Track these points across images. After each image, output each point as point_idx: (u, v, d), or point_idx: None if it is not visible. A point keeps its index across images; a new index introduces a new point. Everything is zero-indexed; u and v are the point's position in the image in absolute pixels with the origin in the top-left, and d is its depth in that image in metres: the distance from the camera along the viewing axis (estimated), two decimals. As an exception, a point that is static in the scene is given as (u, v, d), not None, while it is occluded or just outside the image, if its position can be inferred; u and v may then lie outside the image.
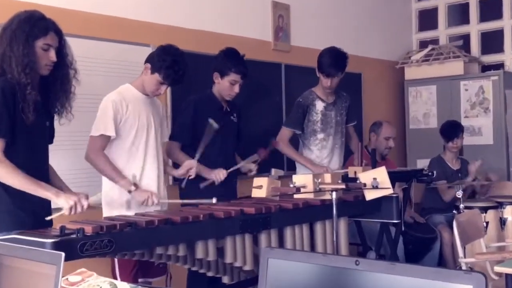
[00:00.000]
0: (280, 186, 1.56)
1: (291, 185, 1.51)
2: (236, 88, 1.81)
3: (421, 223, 2.52)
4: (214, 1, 2.33)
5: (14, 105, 1.23)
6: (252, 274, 1.44)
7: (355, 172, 1.79)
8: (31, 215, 1.26)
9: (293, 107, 2.14)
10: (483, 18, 3.33)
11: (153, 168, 1.59)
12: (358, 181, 1.56)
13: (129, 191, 1.50)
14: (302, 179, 1.53)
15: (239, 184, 1.91)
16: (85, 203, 1.24)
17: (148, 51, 1.78)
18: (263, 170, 1.84)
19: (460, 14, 3.44)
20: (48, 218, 1.25)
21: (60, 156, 1.63)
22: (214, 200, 1.44)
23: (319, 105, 2.10)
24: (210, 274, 1.42)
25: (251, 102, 2.36)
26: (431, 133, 3.09)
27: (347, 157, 2.27)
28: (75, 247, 1.07)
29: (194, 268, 1.38)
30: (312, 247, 1.53)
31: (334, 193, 1.45)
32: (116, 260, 1.52)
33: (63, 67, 1.32)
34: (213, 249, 1.32)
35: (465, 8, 3.39)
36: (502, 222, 2.33)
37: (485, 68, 3.32)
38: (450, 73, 3.16)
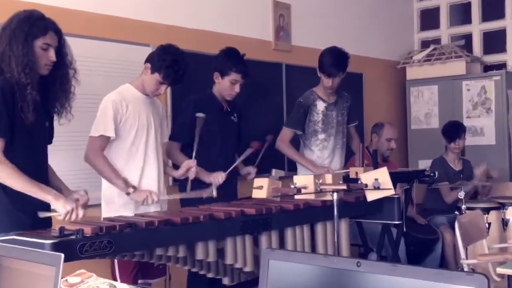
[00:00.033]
0: (280, 186, 1.55)
1: (292, 186, 1.50)
2: (237, 88, 1.80)
3: (422, 224, 2.51)
4: (214, 1, 2.32)
5: (13, 105, 1.22)
6: (252, 276, 1.43)
7: (357, 173, 1.78)
8: (30, 216, 1.25)
9: (294, 107, 2.13)
10: (485, 17, 3.31)
11: (153, 168, 1.59)
12: (359, 182, 1.55)
13: (128, 193, 1.49)
14: (303, 179, 1.52)
15: (240, 184, 1.90)
16: (80, 213, 1.23)
17: (148, 51, 1.77)
18: (263, 170, 1.83)
19: (462, 14, 3.43)
20: (42, 215, 1.24)
21: (60, 157, 1.63)
22: (214, 193, 1.42)
23: (320, 105, 2.09)
24: (210, 275, 1.41)
25: (251, 102, 2.36)
26: (433, 133, 3.08)
27: (348, 158, 2.26)
28: (75, 248, 1.06)
29: (194, 269, 1.37)
30: (313, 249, 1.52)
31: (335, 194, 1.45)
32: (116, 261, 1.51)
33: (62, 66, 1.31)
34: (213, 250, 1.31)
35: (467, 7, 3.38)
36: (504, 223, 2.32)
37: (487, 68, 3.31)
38: (452, 73, 3.15)
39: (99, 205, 1.55)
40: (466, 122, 2.97)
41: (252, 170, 1.81)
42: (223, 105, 1.86)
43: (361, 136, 2.60)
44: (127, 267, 1.52)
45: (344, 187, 1.49)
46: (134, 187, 1.50)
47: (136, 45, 1.99)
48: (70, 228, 1.11)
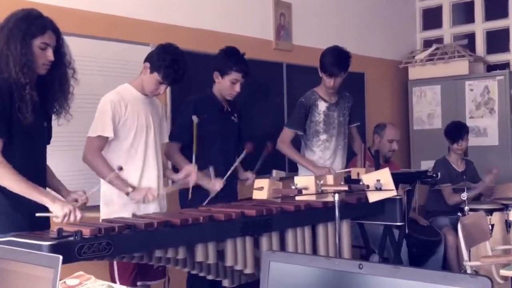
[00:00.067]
0: (281, 187, 1.54)
1: (293, 187, 1.49)
2: (237, 87, 1.79)
3: (425, 225, 2.49)
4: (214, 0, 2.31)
5: (11, 105, 1.21)
6: (253, 278, 1.42)
7: (358, 174, 1.76)
8: (28, 217, 1.25)
9: (295, 108, 2.12)
10: (489, 16, 3.29)
11: (153, 169, 1.58)
12: (361, 183, 1.54)
13: (127, 193, 1.48)
14: (304, 180, 1.51)
15: (240, 185, 1.89)
16: (78, 216, 1.22)
17: (147, 50, 1.77)
18: (264, 171, 1.82)
19: (465, 13, 3.41)
20: (39, 214, 1.23)
21: (58, 157, 1.62)
22: (211, 170, 1.40)
23: (322, 106, 2.08)
24: (210, 277, 1.40)
25: (252, 102, 2.34)
26: (435, 134, 3.05)
27: (350, 159, 2.24)
28: (73, 249, 1.06)
29: (194, 272, 1.36)
30: (314, 250, 1.51)
31: (336, 195, 1.44)
32: (115, 263, 1.50)
33: (61, 66, 1.30)
34: (213, 252, 1.30)
35: (470, 6, 3.36)
36: (508, 224, 2.29)
37: (491, 67, 3.28)
38: (455, 73, 3.13)
39: (97, 206, 1.54)
40: (469, 123, 2.95)
41: (250, 175, 1.79)
42: (223, 105, 1.84)
43: (363, 136, 2.60)
44: (126, 269, 1.51)
45: (346, 188, 1.48)
46: (133, 187, 1.49)
47: (135, 44, 1.98)
48: (69, 229, 1.10)
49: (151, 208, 1.56)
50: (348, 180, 1.77)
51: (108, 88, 1.59)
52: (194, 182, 1.61)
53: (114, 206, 1.52)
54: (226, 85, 1.79)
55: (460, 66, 3.12)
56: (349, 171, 1.91)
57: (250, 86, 2.03)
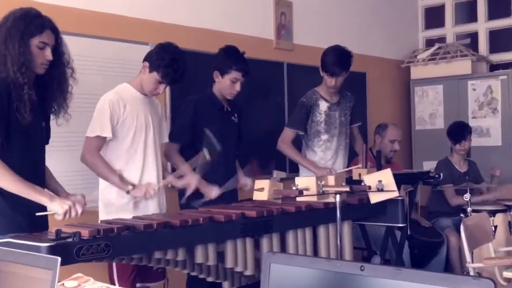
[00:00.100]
0: (282, 188, 1.54)
1: (294, 188, 1.49)
2: (237, 86, 1.77)
3: (427, 227, 2.48)
4: (215, -2, 2.30)
5: (9, 105, 1.20)
6: (253, 280, 1.41)
7: (360, 175, 1.74)
8: (27, 218, 1.24)
9: (296, 107, 2.10)
10: (492, 15, 3.27)
11: (153, 169, 1.57)
12: (362, 184, 1.53)
13: (127, 192, 1.47)
14: (305, 181, 1.50)
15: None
16: (79, 209, 1.21)
17: (146, 49, 1.76)
18: (264, 172, 1.80)
19: (467, 12, 3.39)
20: (39, 214, 1.22)
21: (56, 158, 1.61)
22: (206, 154, 1.41)
23: (323, 105, 2.06)
24: (210, 279, 1.39)
25: (252, 102, 2.33)
26: (437, 134, 3.04)
27: (351, 159, 2.23)
28: (71, 251, 1.05)
29: (193, 273, 1.35)
30: (315, 252, 1.50)
31: (338, 196, 1.43)
32: (114, 264, 1.49)
33: (59, 66, 1.29)
34: (213, 253, 1.29)
35: (472, 5, 3.34)
36: (511, 226, 2.27)
37: (494, 67, 3.27)
38: (457, 73, 3.11)
39: (96, 208, 1.53)
40: (472, 123, 2.93)
41: (249, 182, 1.79)
42: (224, 105, 1.83)
43: (364, 137, 2.57)
44: (125, 271, 1.50)
45: (347, 189, 1.47)
46: (133, 185, 1.48)
47: (134, 43, 1.97)
48: (67, 230, 1.09)
49: (151, 206, 1.54)
50: (349, 180, 1.76)
51: (107, 87, 1.58)
52: (193, 190, 1.61)
53: (112, 207, 1.51)
54: (226, 85, 1.78)
55: (462, 66, 3.10)
56: (350, 171, 1.90)
57: (250, 86, 2.02)
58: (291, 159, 2.13)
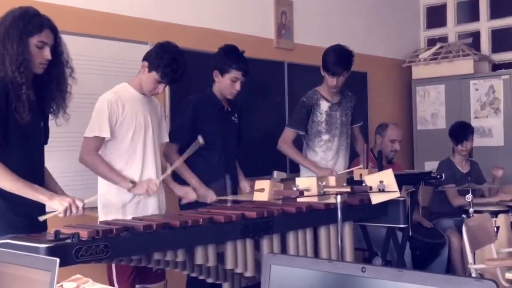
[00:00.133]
0: (282, 189, 1.52)
1: (294, 188, 1.48)
2: (237, 86, 1.76)
3: (428, 227, 2.46)
4: (215, -2, 2.29)
5: (7, 105, 1.20)
6: (253, 281, 1.40)
7: (361, 175, 1.73)
8: (25, 218, 1.24)
9: (296, 107, 2.09)
10: (494, 15, 3.26)
11: (152, 170, 1.56)
12: (363, 184, 1.52)
13: (129, 189, 1.46)
14: (305, 182, 1.49)
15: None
16: (80, 205, 1.21)
17: (146, 48, 1.76)
18: (265, 172, 1.79)
19: (469, 11, 3.37)
20: (41, 218, 1.22)
21: (55, 158, 1.60)
22: (200, 140, 1.44)
23: (324, 105, 2.05)
24: (210, 280, 1.38)
25: (252, 102, 2.32)
26: (439, 134, 3.02)
27: (352, 160, 2.21)
28: (70, 252, 1.04)
29: (193, 274, 1.35)
30: (316, 253, 1.49)
31: (339, 197, 1.42)
32: (113, 266, 1.48)
33: (58, 65, 1.29)
34: (213, 254, 1.28)
35: (474, 4, 3.32)
36: (513, 226, 2.25)
37: (496, 66, 3.25)
38: (459, 72, 3.09)
39: (95, 208, 1.52)
40: (474, 123, 2.91)
41: (248, 186, 1.78)
42: (224, 105, 1.82)
43: (366, 137, 2.56)
44: (124, 272, 1.50)
45: (348, 189, 1.46)
46: (134, 182, 1.47)
47: (134, 43, 1.97)
48: (66, 231, 1.09)
49: (150, 206, 1.53)
50: (350, 181, 1.75)
51: (106, 87, 1.57)
52: (190, 201, 1.61)
53: (111, 207, 1.50)
54: (226, 84, 1.77)
55: (464, 65, 3.08)
56: (351, 171, 1.88)
57: (250, 86, 2.01)
58: (292, 159, 2.12)
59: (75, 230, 1.07)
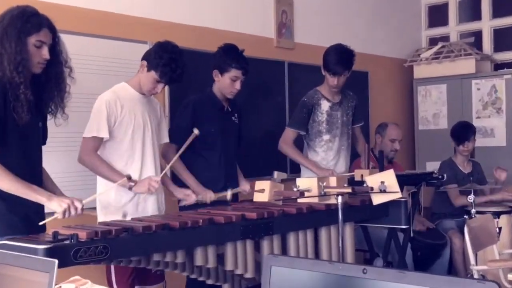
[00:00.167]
0: (283, 189, 1.51)
1: (295, 189, 1.47)
2: (237, 85, 1.75)
3: (430, 228, 2.44)
4: (215, -3, 2.28)
5: (5, 105, 1.19)
6: (253, 282, 1.40)
7: (362, 175, 1.72)
8: (24, 219, 1.23)
9: (297, 107, 2.08)
10: (496, 14, 3.24)
11: (151, 170, 1.55)
12: (365, 185, 1.51)
13: (130, 188, 1.46)
14: (306, 182, 1.48)
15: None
16: (79, 205, 1.20)
17: (145, 48, 1.75)
18: (265, 173, 1.78)
19: (471, 10, 3.36)
20: (42, 223, 1.20)
21: (54, 158, 1.60)
22: (195, 131, 1.45)
23: (325, 105, 2.04)
24: (209, 282, 1.38)
25: (252, 101, 2.31)
26: (441, 134, 3.01)
27: (354, 159, 2.20)
28: (69, 253, 1.03)
29: (193, 276, 1.34)
30: (317, 254, 1.48)
31: (339, 197, 1.41)
32: (112, 267, 1.48)
33: (57, 65, 1.28)
34: (213, 255, 1.28)
35: (476, 3, 3.30)
36: (516, 227, 2.24)
37: (498, 66, 3.23)
38: (461, 72, 3.08)
39: (94, 209, 1.51)
40: (476, 123, 2.90)
41: (248, 188, 1.77)
42: (224, 105, 1.81)
43: (367, 137, 2.55)
44: (123, 273, 1.49)
45: (349, 190, 1.44)
46: (134, 181, 1.47)
47: (133, 42, 1.96)
48: (64, 232, 1.08)
49: (150, 206, 1.53)
50: (351, 182, 1.74)
51: (105, 87, 1.57)
52: (189, 203, 1.60)
53: (110, 208, 1.49)
54: (226, 83, 1.76)
55: (466, 65, 3.06)
56: (352, 171, 1.87)
57: (250, 85, 2.01)
58: (293, 159, 2.11)
59: (74, 231, 1.07)
